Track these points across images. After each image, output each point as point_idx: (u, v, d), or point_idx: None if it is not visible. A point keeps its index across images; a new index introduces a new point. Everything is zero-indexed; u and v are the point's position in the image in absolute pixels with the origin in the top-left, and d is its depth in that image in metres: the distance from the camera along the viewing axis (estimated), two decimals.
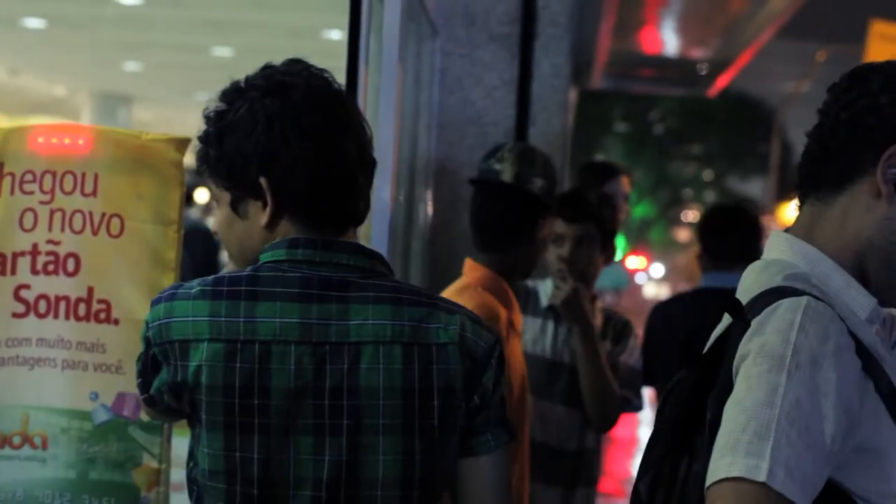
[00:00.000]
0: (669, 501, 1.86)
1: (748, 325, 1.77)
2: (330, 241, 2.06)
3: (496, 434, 2.08)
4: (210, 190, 2.19)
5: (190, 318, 2.03)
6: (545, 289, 4.13)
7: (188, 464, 2.14)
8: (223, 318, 2.00)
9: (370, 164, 2.15)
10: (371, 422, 1.98)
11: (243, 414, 1.99)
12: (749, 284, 1.87)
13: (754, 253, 4.23)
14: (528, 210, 3.44)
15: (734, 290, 1.90)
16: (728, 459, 1.67)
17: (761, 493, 1.62)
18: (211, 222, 9.56)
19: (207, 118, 2.15)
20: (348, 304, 2.00)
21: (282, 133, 2.06)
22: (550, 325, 4.10)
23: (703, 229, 4.99)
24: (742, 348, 1.75)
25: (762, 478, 1.62)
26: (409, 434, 1.99)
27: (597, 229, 4.06)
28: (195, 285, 2.08)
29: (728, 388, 1.74)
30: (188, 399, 2.05)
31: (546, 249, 3.64)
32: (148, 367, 2.11)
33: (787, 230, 1.95)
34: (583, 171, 5.71)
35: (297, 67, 2.19)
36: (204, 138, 2.14)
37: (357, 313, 2.00)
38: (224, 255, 6.44)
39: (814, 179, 1.92)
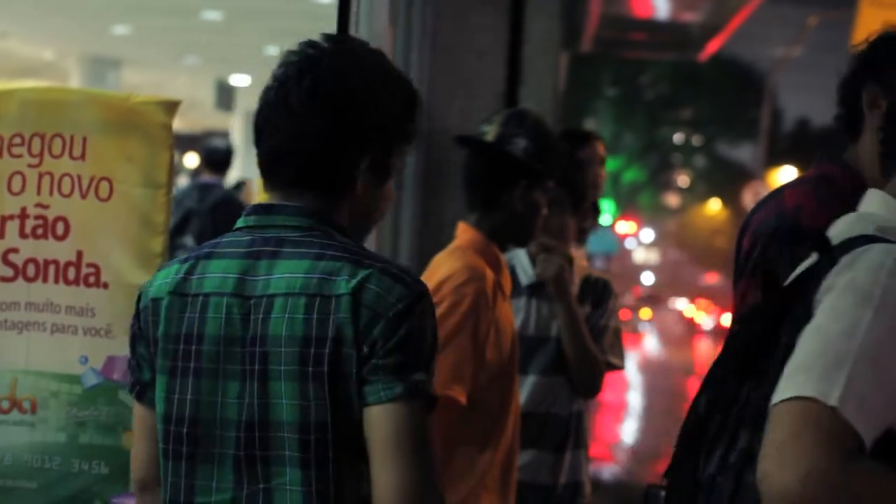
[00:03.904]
0: (726, 421, 1.89)
1: (835, 262, 1.79)
2: (271, 205, 2.21)
3: (387, 385, 2.08)
4: None
5: (162, 280, 2.21)
6: (521, 263, 4.13)
7: None
8: (183, 276, 2.19)
9: (346, 132, 2.19)
10: (275, 368, 2.10)
11: (183, 359, 2.16)
12: (841, 230, 1.89)
13: None
14: (505, 170, 3.42)
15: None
16: (801, 379, 1.68)
17: (829, 417, 1.62)
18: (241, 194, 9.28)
19: None
20: (276, 261, 2.14)
21: (258, 103, 2.25)
22: (534, 303, 4.11)
23: None
24: (828, 282, 1.77)
25: (833, 402, 1.62)
26: (304, 381, 2.09)
27: (566, 193, 4.06)
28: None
29: (807, 318, 1.75)
30: (151, 354, 2.21)
31: (540, 215, 3.59)
32: (135, 342, 2.24)
33: (883, 189, 1.98)
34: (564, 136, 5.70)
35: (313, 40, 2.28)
36: None
37: (279, 268, 2.13)
38: None
39: None
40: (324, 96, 2.18)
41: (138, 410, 2.29)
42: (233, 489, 2.14)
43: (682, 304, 48.56)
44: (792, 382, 1.68)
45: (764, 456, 1.66)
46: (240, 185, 11.25)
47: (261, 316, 2.12)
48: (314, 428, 2.09)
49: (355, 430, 2.10)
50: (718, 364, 1.95)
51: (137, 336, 2.23)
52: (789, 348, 1.75)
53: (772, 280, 1.97)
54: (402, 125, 2.26)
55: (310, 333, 2.09)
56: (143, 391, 2.25)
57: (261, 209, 2.22)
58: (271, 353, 2.10)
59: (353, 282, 2.09)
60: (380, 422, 2.08)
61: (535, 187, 3.43)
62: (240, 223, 2.24)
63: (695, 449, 1.95)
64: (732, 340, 1.96)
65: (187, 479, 2.17)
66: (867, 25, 14.71)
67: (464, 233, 3.44)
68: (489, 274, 3.34)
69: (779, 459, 1.64)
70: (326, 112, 2.18)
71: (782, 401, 1.68)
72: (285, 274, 2.12)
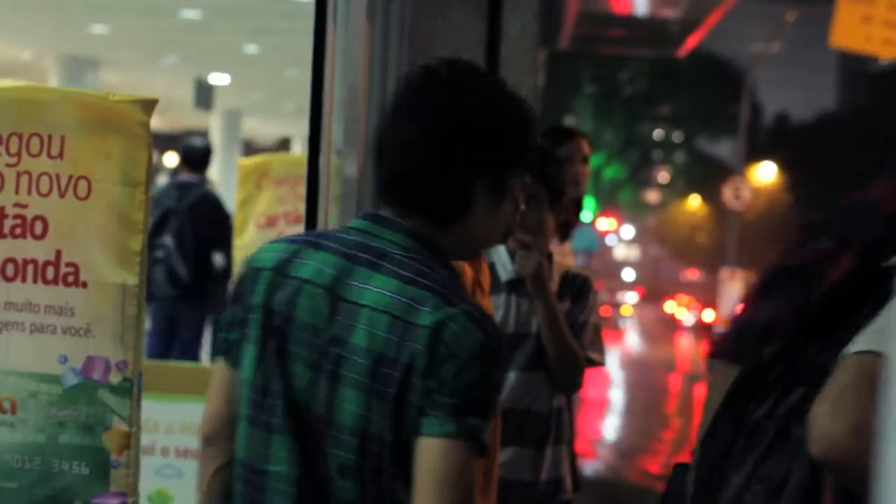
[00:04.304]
0: (785, 375, 1.93)
1: None
2: (384, 217, 2.29)
3: (443, 421, 2.15)
4: None
5: (268, 254, 2.31)
6: (500, 259, 4.13)
7: None
8: (287, 257, 2.28)
9: (462, 160, 2.26)
10: (346, 374, 2.19)
11: (272, 334, 2.26)
12: None
13: None
14: None
15: None
16: (877, 336, 1.72)
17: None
18: (213, 189, 9.23)
19: None
20: (374, 273, 2.23)
21: (383, 121, 2.34)
22: (513, 299, 4.11)
23: None
24: None
25: None
26: (370, 394, 2.17)
27: (543, 189, 4.06)
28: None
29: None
30: (243, 318, 2.30)
31: (518, 211, 3.58)
32: (232, 302, 2.35)
33: None
34: (541, 136, 5.72)
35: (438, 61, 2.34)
36: None
37: (375, 281, 2.22)
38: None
39: None
40: (438, 122, 2.25)
41: (219, 368, 2.37)
42: (300, 465, 2.24)
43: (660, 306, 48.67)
44: (867, 338, 1.75)
45: (823, 398, 1.72)
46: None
47: (346, 321, 2.21)
48: (372, 439, 2.18)
49: (408, 454, 2.18)
50: (793, 321, 2.01)
51: (235, 297, 2.33)
52: (869, 317, 1.80)
53: (874, 254, 2.04)
54: (517, 147, 2.32)
55: (385, 352, 2.17)
56: (228, 349, 2.33)
57: (375, 218, 2.30)
58: (346, 359, 2.19)
59: (437, 315, 2.17)
60: (427, 454, 2.15)
61: (507, 181, 3.41)
62: (353, 223, 2.33)
63: (747, 395, 2.00)
64: (816, 300, 2.01)
65: (263, 446, 2.27)
66: (845, 21, 14.74)
67: None
68: (468, 270, 3.34)
69: (835, 403, 1.69)
70: (442, 138, 2.25)
71: (854, 353, 1.74)
72: (377, 288, 2.21)
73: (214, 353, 2.40)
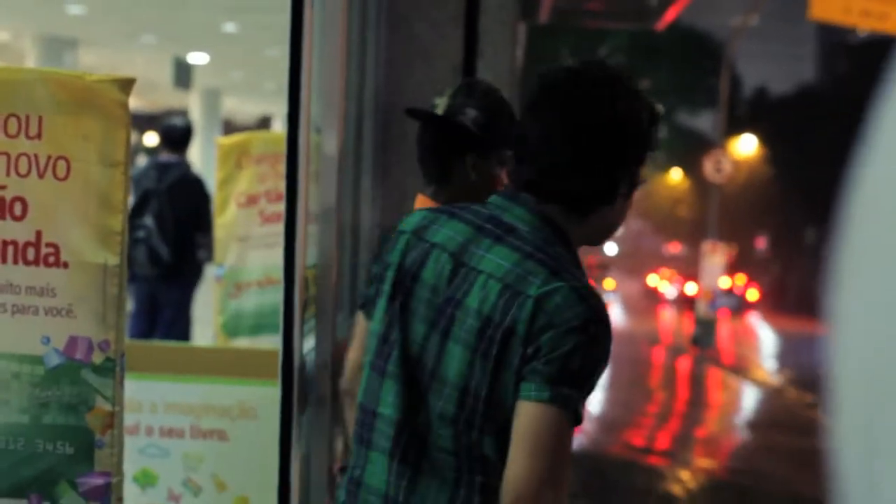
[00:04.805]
0: None
1: None
2: (520, 196, 2.47)
3: (539, 387, 2.29)
4: None
5: (412, 219, 2.56)
6: None
7: None
8: (426, 223, 2.52)
9: (610, 155, 2.42)
10: (457, 331, 2.40)
11: (401, 291, 2.49)
12: None
13: None
14: (452, 140, 3.40)
15: None
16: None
17: None
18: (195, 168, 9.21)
19: None
20: (497, 244, 2.42)
21: (520, 117, 2.52)
22: None
23: None
24: None
25: None
26: (474, 352, 2.37)
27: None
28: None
29: None
30: (382, 275, 2.56)
31: (496, 185, 3.59)
32: (376, 260, 2.69)
33: None
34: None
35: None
36: None
37: (495, 252, 2.41)
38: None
39: None
40: (588, 118, 2.39)
41: (361, 321, 2.75)
42: (403, 411, 2.45)
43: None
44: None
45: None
46: None
47: (463, 284, 2.41)
48: (470, 394, 2.38)
49: (504, 414, 2.34)
50: None
51: (379, 256, 2.64)
52: None
53: None
54: (650, 142, 2.48)
55: (492, 315, 2.35)
56: (366, 302, 2.70)
57: (508, 195, 2.50)
58: (458, 318, 2.40)
59: (544, 288, 2.33)
60: (523, 417, 2.30)
61: (487, 157, 3.41)
62: (491, 199, 2.52)
63: None
64: None
65: (376, 389, 2.50)
66: None
67: (422, 206, 3.44)
68: None
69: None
70: (592, 134, 2.39)
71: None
72: (497, 258, 2.39)
73: (359, 306, 2.79)
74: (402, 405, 2.45)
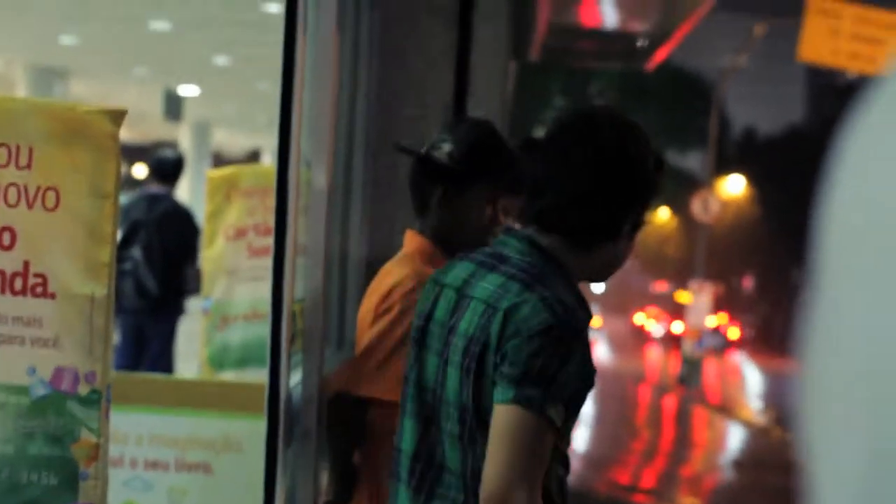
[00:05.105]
0: None
1: None
2: (517, 230, 2.64)
3: (504, 389, 2.44)
4: None
5: (442, 270, 2.75)
6: None
7: None
8: (444, 268, 2.74)
9: (622, 192, 2.56)
10: (452, 356, 2.58)
11: (420, 333, 2.69)
12: None
13: None
14: (429, 175, 3.40)
15: None
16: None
17: None
18: (183, 202, 9.20)
19: None
20: (491, 272, 2.58)
21: (539, 157, 2.68)
22: None
23: None
24: None
25: None
26: (461, 371, 2.54)
27: (512, 201, 4.04)
28: None
29: None
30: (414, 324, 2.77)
31: (486, 219, 3.55)
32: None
33: None
34: (522, 146, 5.71)
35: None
36: None
37: (487, 279, 2.57)
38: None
39: None
40: (604, 157, 2.54)
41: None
42: (417, 443, 2.65)
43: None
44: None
45: None
46: None
47: (460, 312, 2.59)
48: (466, 409, 2.54)
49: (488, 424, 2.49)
50: None
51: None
52: None
53: None
54: (653, 185, 2.61)
55: (473, 334, 2.53)
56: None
57: (511, 230, 2.69)
58: (453, 343, 2.58)
59: (514, 300, 2.49)
60: (494, 419, 2.46)
61: (462, 190, 3.38)
62: (498, 238, 2.71)
63: None
64: None
65: (400, 427, 2.70)
66: (813, 34, 14.85)
67: (410, 240, 3.44)
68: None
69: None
70: (607, 172, 2.53)
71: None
72: (486, 284, 2.56)
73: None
74: (416, 438, 2.65)
